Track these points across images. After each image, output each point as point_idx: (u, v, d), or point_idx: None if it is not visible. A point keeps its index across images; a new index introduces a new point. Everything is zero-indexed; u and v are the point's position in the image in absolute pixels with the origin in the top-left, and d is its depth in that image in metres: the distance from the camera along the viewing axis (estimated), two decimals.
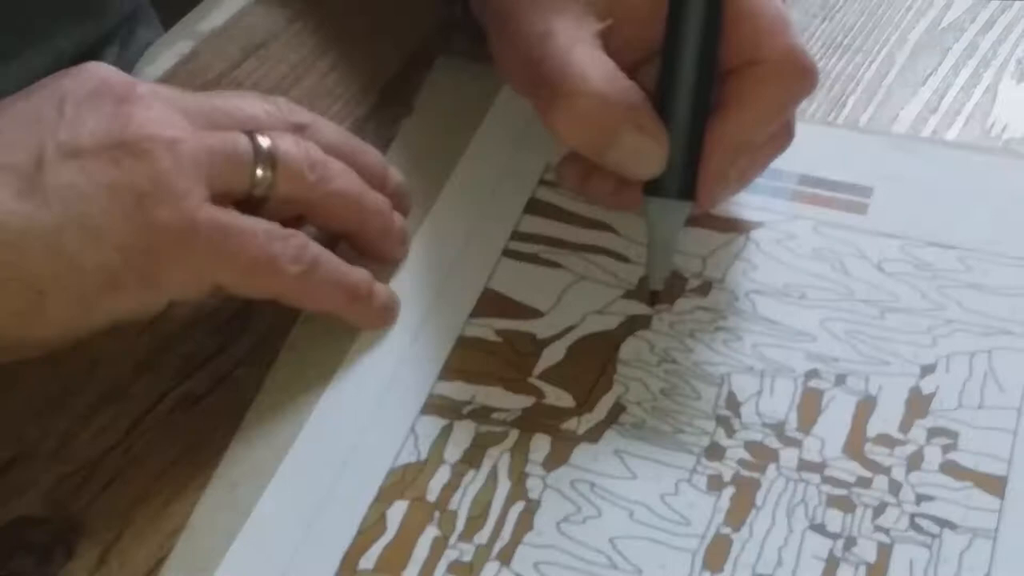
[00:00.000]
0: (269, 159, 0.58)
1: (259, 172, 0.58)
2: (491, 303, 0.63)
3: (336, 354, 0.61)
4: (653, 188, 0.60)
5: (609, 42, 0.61)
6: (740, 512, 0.56)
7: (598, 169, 0.61)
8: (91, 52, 0.76)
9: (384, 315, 0.61)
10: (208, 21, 0.76)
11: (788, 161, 0.67)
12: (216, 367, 0.61)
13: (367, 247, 0.63)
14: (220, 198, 0.57)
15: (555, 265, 0.64)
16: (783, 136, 0.63)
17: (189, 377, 0.61)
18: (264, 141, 0.58)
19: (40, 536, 0.56)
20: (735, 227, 0.65)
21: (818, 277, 0.63)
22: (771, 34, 0.60)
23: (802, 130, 0.69)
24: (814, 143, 0.68)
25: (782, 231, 0.65)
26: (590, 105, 0.59)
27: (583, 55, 0.59)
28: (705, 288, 0.63)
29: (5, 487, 0.57)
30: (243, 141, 0.58)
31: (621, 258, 0.64)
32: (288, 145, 0.59)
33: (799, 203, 0.66)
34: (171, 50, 0.74)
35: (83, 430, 0.59)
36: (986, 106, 0.70)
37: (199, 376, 0.61)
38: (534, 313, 0.62)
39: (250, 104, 0.60)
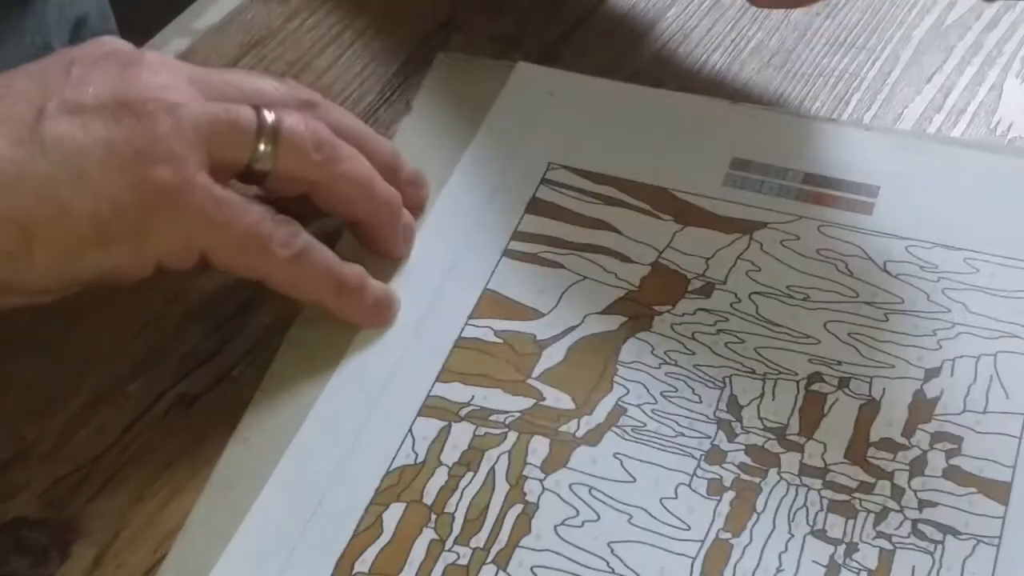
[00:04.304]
0: (272, 133, 0.58)
1: (261, 146, 0.58)
2: (491, 304, 0.62)
3: (334, 354, 0.60)
4: None
5: None
6: (740, 517, 0.55)
7: None
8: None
9: (377, 312, 0.61)
10: (205, 18, 0.75)
11: (793, 159, 0.66)
12: (213, 367, 0.61)
13: (372, 238, 0.62)
14: (219, 168, 0.57)
15: (556, 265, 0.63)
16: None
17: (186, 377, 0.60)
18: (269, 115, 0.58)
19: (36, 537, 0.56)
20: (738, 228, 0.64)
21: (822, 279, 0.63)
22: None
23: (807, 128, 0.68)
24: (820, 141, 0.67)
25: (786, 231, 0.64)
26: None
27: None
28: (707, 289, 0.62)
29: (1, 488, 0.57)
30: (247, 113, 0.58)
31: (623, 258, 0.64)
32: (294, 121, 0.59)
33: (804, 202, 0.65)
34: (167, 47, 0.74)
35: (79, 430, 0.59)
36: (991, 104, 0.70)
37: (196, 376, 0.60)
38: (534, 314, 0.62)
39: (259, 80, 0.60)
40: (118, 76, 0.56)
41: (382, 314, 0.61)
